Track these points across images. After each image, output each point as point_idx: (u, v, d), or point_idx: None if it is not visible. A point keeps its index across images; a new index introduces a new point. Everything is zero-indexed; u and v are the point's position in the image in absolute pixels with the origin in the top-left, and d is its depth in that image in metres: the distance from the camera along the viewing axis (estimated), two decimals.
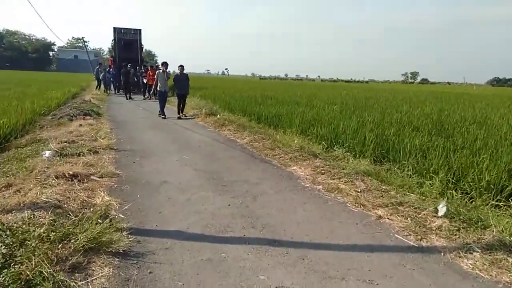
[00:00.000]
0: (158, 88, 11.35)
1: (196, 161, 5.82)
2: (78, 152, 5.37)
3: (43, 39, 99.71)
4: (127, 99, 16.90)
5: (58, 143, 5.86)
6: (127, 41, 20.92)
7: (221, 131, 8.91)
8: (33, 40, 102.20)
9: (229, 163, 5.77)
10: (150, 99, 17.34)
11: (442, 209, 3.86)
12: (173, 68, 19.58)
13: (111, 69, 20.03)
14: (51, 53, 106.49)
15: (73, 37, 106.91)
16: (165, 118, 10.93)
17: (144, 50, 24.76)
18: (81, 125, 7.89)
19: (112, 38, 21.16)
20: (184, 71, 11.59)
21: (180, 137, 7.96)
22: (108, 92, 19.98)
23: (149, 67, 17.91)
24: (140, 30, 21.36)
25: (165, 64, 11.47)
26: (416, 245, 3.22)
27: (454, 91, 43.98)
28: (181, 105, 11.49)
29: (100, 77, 20.80)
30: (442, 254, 3.07)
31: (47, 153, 4.92)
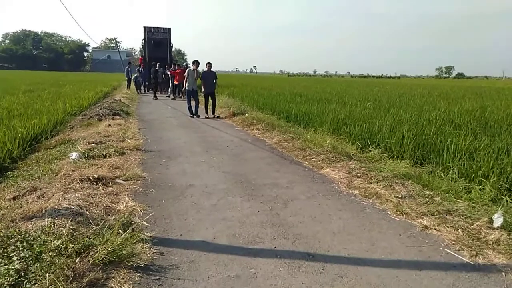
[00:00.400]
0: (186, 87, 11.01)
1: (223, 162, 5.61)
2: (104, 153, 5.28)
3: (78, 41, 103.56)
4: (155, 98, 17.01)
5: (86, 144, 5.81)
6: (157, 40, 21.09)
7: (249, 130, 8.67)
8: (69, 41, 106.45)
9: (257, 165, 5.52)
10: (179, 97, 17.38)
11: (498, 220, 3.42)
12: (202, 67, 19.64)
13: (141, 68, 20.26)
14: (85, 54, 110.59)
15: (106, 38, 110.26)
16: (193, 117, 10.80)
17: (174, 49, 24.87)
18: (109, 125, 7.89)
19: (143, 38, 21.39)
20: (212, 69, 11.24)
21: (207, 137, 7.79)
22: (139, 91, 20.14)
23: (177, 66, 17.99)
24: (169, 29, 21.48)
25: (196, 63, 10.99)
26: (472, 262, 2.82)
27: (493, 85, 41.58)
28: (208, 104, 11.10)
29: (130, 77, 21.12)
30: (504, 274, 2.67)
31: (74, 155, 4.86)
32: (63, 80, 31.57)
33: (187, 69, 11.52)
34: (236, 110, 11.24)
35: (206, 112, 11.12)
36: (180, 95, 17.41)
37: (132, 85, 20.85)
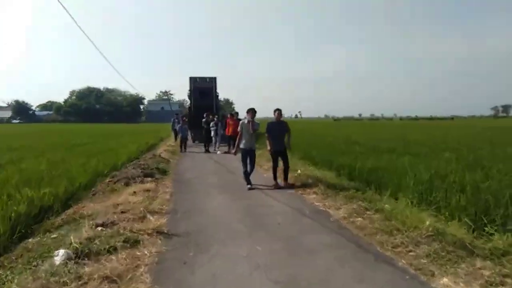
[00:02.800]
0: (241, 145, 7.80)
1: (272, 257, 3.83)
2: (109, 246, 3.77)
3: (136, 95, 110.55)
4: (207, 151, 15.68)
5: (92, 227, 4.38)
6: (203, 90, 20.51)
7: (304, 194, 6.89)
8: (128, 95, 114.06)
9: (325, 263, 3.67)
10: (230, 152, 15.73)
11: None
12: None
13: (177, 119, 19.35)
14: (141, 106, 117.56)
15: (160, 91, 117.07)
16: (252, 188, 7.54)
17: (221, 99, 24.22)
18: (135, 192, 6.53)
19: (189, 88, 21.01)
20: (282, 118, 8.05)
21: (251, 206, 6.11)
22: (183, 148, 16.09)
23: (228, 115, 16.87)
24: (215, 78, 20.94)
25: (251, 112, 7.75)
26: None
27: None
28: (277, 167, 7.96)
29: (176, 128, 20.47)
30: None
31: (60, 255, 3.38)
32: (115, 132, 32.41)
33: (241, 121, 8.11)
34: None
35: (275, 178, 7.90)
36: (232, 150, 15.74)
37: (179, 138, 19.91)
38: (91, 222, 4.55)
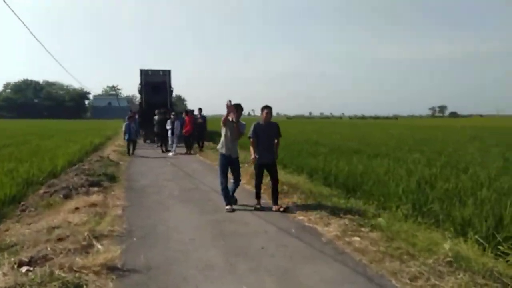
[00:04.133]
0: (222, 151, 5.92)
1: None
2: None
3: (80, 89, 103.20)
4: (164, 152, 14.19)
5: (12, 266, 3.16)
6: (155, 84, 18.87)
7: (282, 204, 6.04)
8: (71, 89, 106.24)
9: None
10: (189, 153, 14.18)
11: None
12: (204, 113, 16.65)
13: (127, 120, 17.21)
14: (86, 102, 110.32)
15: (108, 85, 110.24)
16: (232, 211, 5.67)
17: (174, 95, 22.56)
18: (77, 208, 5.27)
19: (139, 82, 19.28)
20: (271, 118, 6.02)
21: (224, 222, 5.13)
22: (131, 151, 13.71)
23: (183, 112, 15.53)
24: (169, 72, 19.40)
25: (237, 109, 5.78)
26: None
27: (505, 125, 39.32)
28: (261, 183, 6.01)
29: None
30: None
31: None
32: (56, 129, 29.49)
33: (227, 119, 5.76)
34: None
35: (258, 197, 5.94)
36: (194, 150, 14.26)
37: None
38: (12, 260, 3.31)
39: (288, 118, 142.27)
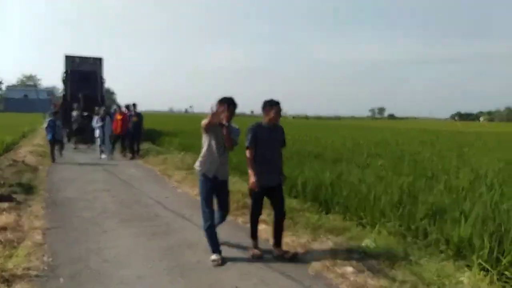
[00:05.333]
0: (205, 171, 3.82)
1: None
2: None
3: None
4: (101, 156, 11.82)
5: None
6: (84, 73, 16.41)
7: (246, 221, 5.13)
8: None
9: None
10: (124, 156, 12.26)
11: None
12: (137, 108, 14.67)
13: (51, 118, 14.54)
14: None
15: (24, 75, 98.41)
16: (221, 263, 3.67)
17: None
18: None
19: (64, 70, 16.66)
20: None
21: (179, 248, 4.09)
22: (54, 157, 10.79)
23: (116, 109, 13.75)
24: (100, 60, 17.09)
25: (230, 106, 3.74)
26: None
27: (445, 128, 42.65)
28: (259, 216, 4.07)
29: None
30: None
31: None
32: None
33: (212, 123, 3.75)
34: None
35: (254, 236, 4.06)
36: (130, 154, 12.04)
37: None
38: None
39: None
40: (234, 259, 3.79)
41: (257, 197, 3.96)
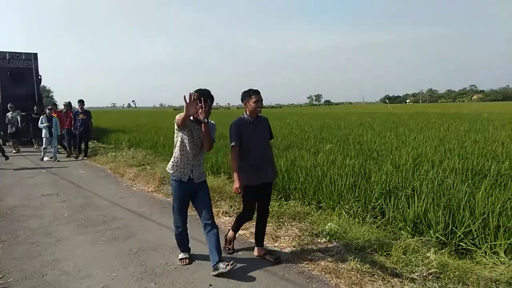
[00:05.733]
0: (178, 175, 3.40)
1: None
2: None
3: None
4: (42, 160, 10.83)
5: None
6: (17, 71, 15.11)
7: (217, 219, 5.05)
8: None
9: None
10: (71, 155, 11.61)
11: None
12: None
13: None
14: None
15: None
16: (188, 261, 3.63)
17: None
18: None
19: None
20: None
21: (149, 250, 3.93)
22: None
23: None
24: (35, 55, 15.74)
25: (206, 100, 3.23)
26: None
27: (378, 110, 45.20)
28: (248, 219, 3.87)
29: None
30: None
31: None
32: None
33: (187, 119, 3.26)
34: (163, 173, 7.41)
35: (234, 231, 3.97)
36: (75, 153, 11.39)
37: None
38: None
39: (176, 109, 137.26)
40: (206, 257, 3.73)
41: (250, 198, 3.63)
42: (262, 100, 3.53)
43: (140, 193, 6.67)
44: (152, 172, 7.75)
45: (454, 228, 3.74)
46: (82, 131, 10.85)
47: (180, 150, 3.36)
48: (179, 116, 3.19)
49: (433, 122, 17.92)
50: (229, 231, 4.01)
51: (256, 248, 3.80)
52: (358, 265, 3.31)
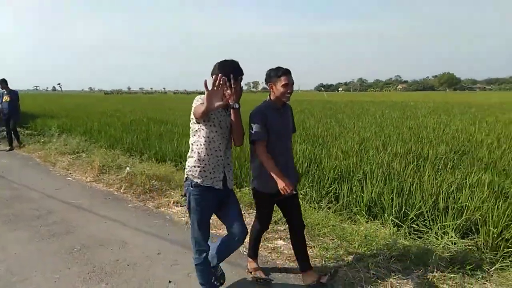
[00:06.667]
0: (204, 180, 2.44)
1: None
2: None
3: None
4: None
5: None
6: None
7: (163, 207, 4.75)
8: None
9: None
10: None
11: None
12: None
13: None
14: None
15: None
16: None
17: None
18: None
19: None
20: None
21: (93, 246, 3.54)
22: None
23: None
24: None
25: (236, 77, 2.34)
26: None
27: (314, 98, 46.77)
28: (263, 231, 3.10)
29: None
30: None
31: None
32: None
33: (214, 104, 2.18)
34: (103, 160, 6.82)
35: (255, 254, 3.12)
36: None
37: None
38: None
39: (107, 93, 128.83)
40: (162, 249, 3.45)
41: (266, 207, 2.88)
42: (293, 83, 2.68)
43: (77, 183, 6.06)
44: (89, 160, 7.10)
45: (407, 211, 3.91)
46: (9, 114, 9.30)
47: (206, 148, 2.42)
48: (197, 107, 2.31)
49: (367, 109, 19.00)
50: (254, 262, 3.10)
51: (304, 274, 2.87)
52: (322, 252, 3.30)
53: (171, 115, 16.21)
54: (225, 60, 2.38)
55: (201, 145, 2.43)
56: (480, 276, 2.83)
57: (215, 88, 2.08)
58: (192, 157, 2.46)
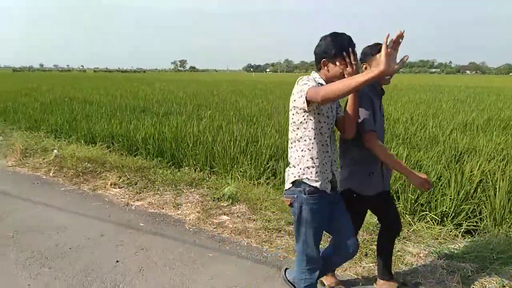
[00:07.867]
0: (318, 184, 1.95)
1: None
2: None
3: None
4: None
5: None
6: None
7: (105, 191, 4.58)
8: None
9: None
10: None
11: None
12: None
13: None
14: None
15: None
16: None
17: None
18: None
19: None
20: None
21: (34, 244, 3.35)
22: None
23: None
24: None
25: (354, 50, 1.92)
26: None
27: (243, 78, 47.00)
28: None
29: None
30: None
31: None
32: None
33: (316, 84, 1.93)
34: (24, 144, 6.27)
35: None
36: None
37: None
38: None
39: (16, 70, 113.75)
40: (105, 230, 3.39)
41: (363, 213, 2.45)
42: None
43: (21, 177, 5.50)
44: (8, 142, 6.48)
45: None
46: None
47: (316, 142, 1.96)
48: (315, 88, 1.79)
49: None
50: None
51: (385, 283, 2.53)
52: (265, 223, 3.55)
53: (95, 94, 15.21)
54: (339, 34, 1.95)
55: (310, 139, 1.96)
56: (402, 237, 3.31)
57: (381, 55, 1.58)
58: (302, 156, 1.97)
